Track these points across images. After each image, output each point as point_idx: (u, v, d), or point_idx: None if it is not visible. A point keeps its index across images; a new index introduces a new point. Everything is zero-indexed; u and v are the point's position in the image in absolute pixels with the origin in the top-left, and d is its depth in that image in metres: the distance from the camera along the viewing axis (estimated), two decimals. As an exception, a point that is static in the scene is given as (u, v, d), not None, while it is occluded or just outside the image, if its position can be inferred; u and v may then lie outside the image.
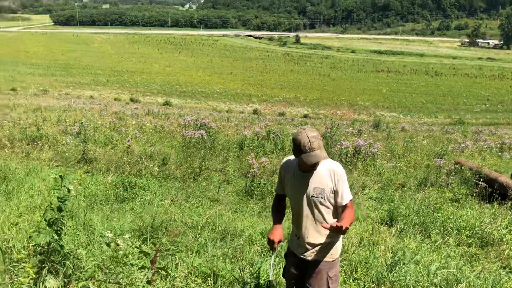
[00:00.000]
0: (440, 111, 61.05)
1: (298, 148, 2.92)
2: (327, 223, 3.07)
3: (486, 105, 66.78)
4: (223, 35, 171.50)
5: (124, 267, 3.08)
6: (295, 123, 25.13)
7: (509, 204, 6.95)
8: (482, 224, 5.46)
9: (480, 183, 8.09)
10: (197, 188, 7.04)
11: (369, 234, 5.19)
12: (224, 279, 3.85)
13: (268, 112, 47.43)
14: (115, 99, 46.52)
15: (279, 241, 3.26)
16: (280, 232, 3.30)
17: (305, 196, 3.10)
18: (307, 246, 3.20)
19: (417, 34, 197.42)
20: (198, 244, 4.53)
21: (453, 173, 8.88)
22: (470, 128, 32.59)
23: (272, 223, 3.29)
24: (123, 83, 69.14)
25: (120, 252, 3.13)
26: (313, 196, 3.08)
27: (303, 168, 3.04)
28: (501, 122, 49.03)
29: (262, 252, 4.67)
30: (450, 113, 58.46)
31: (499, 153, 14.20)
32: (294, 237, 3.33)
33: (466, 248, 5.08)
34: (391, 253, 4.41)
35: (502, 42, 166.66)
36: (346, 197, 3.08)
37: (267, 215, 6.02)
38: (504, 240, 5.10)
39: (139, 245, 3.19)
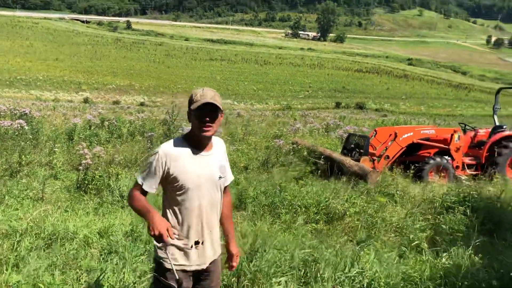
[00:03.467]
0: (270, 97, 64.92)
1: (191, 101, 2.37)
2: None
3: (308, 92, 73.26)
4: (45, 18, 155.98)
5: None
6: (131, 111, 23.85)
7: (344, 179, 7.33)
8: (326, 199, 5.60)
9: (320, 161, 8.46)
10: (16, 186, 5.87)
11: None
12: (53, 296, 3.10)
13: (101, 101, 44.47)
14: None
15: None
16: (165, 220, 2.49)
17: (209, 180, 2.44)
18: (210, 251, 2.53)
19: (246, 25, 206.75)
20: (16, 256, 3.64)
21: (292, 153, 9.19)
22: (298, 112, 35.19)
23: (141, 216, 2.36)
24: None
25: None
26: (220, 178, 2.49)
27: (201, 137, 2.40)
28: (322, 107, 53.89)
29: (101, 255, 3.97)
30: (279, 99, 62.53)
31: (326, 133, 15.41)
32: (184, 248, 2.45)
33: (314, 225, 5.12)
34: (245, 239, 4.12)
35: (319, 35, 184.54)
36: (231, 174, 2.64)
37: (105, 211, 5.28)
38: (347, 213, 5.27)
39: None
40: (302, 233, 4.73)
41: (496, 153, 9.11)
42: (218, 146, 2.57)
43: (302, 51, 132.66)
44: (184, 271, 2.43)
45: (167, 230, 2.20)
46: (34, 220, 4.42)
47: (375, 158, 8.76)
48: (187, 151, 2.41)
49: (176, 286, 2.38)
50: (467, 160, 9.37)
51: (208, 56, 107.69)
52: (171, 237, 2.20)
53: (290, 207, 5.51)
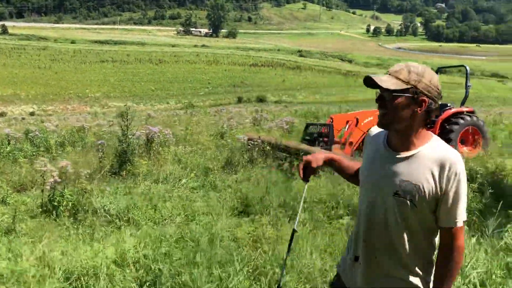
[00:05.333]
0: (169, 97, 63.57)
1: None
2: (410, 251, 1.82)
3: (208, 88, 73.02)
4: None
5: None
6: (30, 121, 21.55)
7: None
8: (342, 191, 5.30)
9: (287, 155, 8.15)
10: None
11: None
12: None
13: (-21, 115, 39.90)
14: None
15: (312, 168, 2.14)
16: (321, 160, 2.17)
17: (382, 191, 1.84)
18: (371, 276, 1.91)
19: (135, 24, 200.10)
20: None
21: (257, 150, 8.77)
22: (207, 109, 34.72)
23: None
24: None
25: None
26: (396, 194, 1.79)
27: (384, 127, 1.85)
28: (224, 102, 53.88)
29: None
30: (179, 98, 61.40)
31: (257, 126, 15.22)
32: (349, 258, 2.03)
33: (341, 220, 4.80)
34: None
35: (211, 31, 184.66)
36: (454, 215, 1.77)
37: (97, 235, 4.44)
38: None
39: None
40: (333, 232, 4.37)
41: (448, 130, 9.52)
42: None
43: (197, 48, 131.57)
44: None
45: None
46: (36, 257, 3.50)
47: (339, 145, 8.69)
48: None
49: None
50: (420, 139, 9.67)
51: (98, 58, 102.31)
52: None
53: (306, 205, 5.12)
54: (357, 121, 8.87)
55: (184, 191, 6.43)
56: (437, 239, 1.87)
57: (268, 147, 8.74)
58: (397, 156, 1.83)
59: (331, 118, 9.47)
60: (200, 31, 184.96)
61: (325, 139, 8.72)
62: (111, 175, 7.26)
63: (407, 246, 1.82)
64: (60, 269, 3.40)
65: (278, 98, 58.25)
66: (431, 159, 1.76)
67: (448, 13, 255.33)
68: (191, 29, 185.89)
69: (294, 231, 2.18)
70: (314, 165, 2.16)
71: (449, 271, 1.79)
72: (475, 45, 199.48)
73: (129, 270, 3.54)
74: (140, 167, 7.44)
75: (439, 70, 11.40)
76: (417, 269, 1.85)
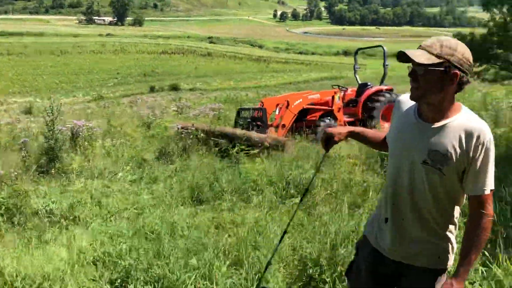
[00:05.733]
0: (76, 89, 60.21)
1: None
2: (443, 217, 1.94)
3: (118, 79, 70.23)
4: None
5: None
6: None
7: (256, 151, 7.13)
8: (289, 172, 5.39)
9: (222, 140, 8.11)
10: None
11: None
12: None
13: None
14: None
15: (335, 138, 2.23)
16: (344, 134, 2.27)
17: (411, 159, 1.91)
18: (398, 239, 2.00)
19: (30, 13, 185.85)
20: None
21: (191, 137, 8.62)
22: (120, 101, 33.49)
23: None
24: None
25: None
26: (424, 162, 1.87)
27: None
28: (136, 92, 52.04)
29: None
30: (86, 90, 58.30)
31: (181, 114, 15.03)
32: (378, 219, 2.12)
33: (296, 199, 4.90)
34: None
35: (116, 19, 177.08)
36: (482, 183, 1.84)
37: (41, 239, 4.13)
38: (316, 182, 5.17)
39: None
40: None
41: (370, 108, 10.05)
42: None
43: (101, 38, 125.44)
44: None
45: None
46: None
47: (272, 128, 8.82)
48: None
49: None
50: (345, 118, 10.11)
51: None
52: None
53: (257, 188, 5.15)
54: (288, 104, 9.05)
55: (123, 185, 6.18)
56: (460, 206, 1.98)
57: (202, 134, 8.65)
58: (428, 126, 1.90)
59: (262, 102, 9.57)
60: (104, 20, 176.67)
61: (259, 123, 8.80)
62: (39, 174, 6.78)
63: (433, 212, 1.92)
64: (17, 276, 3.12)
65: (192, 85, 57.52)
66: (460, 130, 1.82)
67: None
68: (94, 17, 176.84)
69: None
70: (336, 138, 2.24)
71: (478, 238, 1.87)
72: (375, 27, 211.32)
73: (95, 269, 3.35)
74: (71, 164, 7.02)
75: (358, 51, 11.93)
76: (442, 232, 1.95)
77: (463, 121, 1.84)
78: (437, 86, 1.82)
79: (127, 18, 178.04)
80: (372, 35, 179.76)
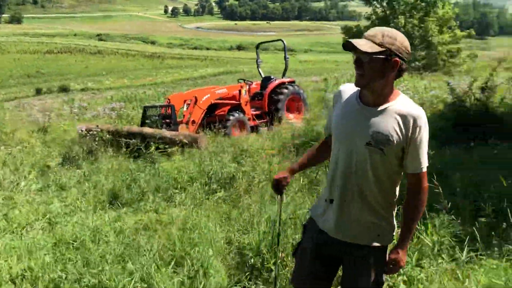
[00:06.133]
0: None
1: None
2: (383, 195, 2.07)
3: (-3, 82, 64.34)
4: None
5: None
6: None
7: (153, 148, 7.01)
8: (210, 166, 5.36)
9: (133, 140, 7.84)
10: None
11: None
12: None
13: None
14: None
15: (283, 183, 2.40)
16: (288, 174, 2.43)
17: (355, 142, 2.03)
18: (349, 221, 2.11)
19: None
20: None
21: (97, 139, 8.17)
22: (3, 105, 30.81)
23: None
24: None
25: None
26: (368, 144, 2.00)
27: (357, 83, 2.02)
28: (21, 96, 48.16)
29: None
30: (-37, 95, 52.76)
31: (78, 116, 14.30)
32: (323, 201, 2.22)
33: (218, 194, 4.90)
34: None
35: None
36: (418, 162, 2.01)
37: None
38: (237, 175, 5.21)
39: None
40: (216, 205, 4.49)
41: (275, 100, 10.34)
42: None
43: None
44: None
45: None
46: None
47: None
48: None
49: None
50: (252, 111, 10.30)
51: None
52: None
53: (178, 186, 5.07)
54: (196, 100, 9.00)
55: (29, 195, 5.73)
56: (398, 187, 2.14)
57: (108, 136, 8.28)
58: (370, 110, 2.02)
59: (169, 99, 9.40)
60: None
61: (168, 120, 8.64)
62: None
63: (375, 192, 2.06)
64: None
65: (83, 85, 54.45)
66: (399, 113, 1.97)
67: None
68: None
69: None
70: (285, 183, 2.43)
71: (417, 209, 2.07)
72: (266, 22, 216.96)
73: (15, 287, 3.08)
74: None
75: (259, 46, 12.19)
76: (383, 212, 2.10)
77: (401, 105, 2.00)
78: (380, 73, 1.95)
79: (3, 15, 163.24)
80: (263, 30, 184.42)
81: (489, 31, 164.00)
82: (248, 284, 2.96)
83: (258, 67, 11.80)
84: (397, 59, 1.95)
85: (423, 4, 23.45)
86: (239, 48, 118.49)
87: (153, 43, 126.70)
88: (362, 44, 1.93)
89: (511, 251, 3.06)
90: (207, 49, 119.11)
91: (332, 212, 2.15)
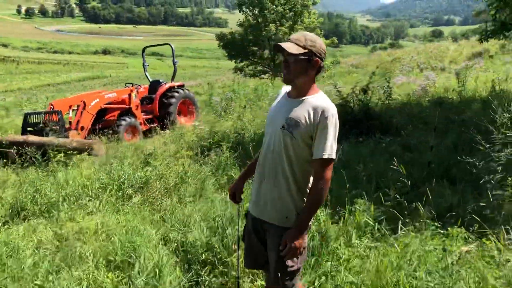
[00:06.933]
0: None
1: None
2: (294, 178, 2.29)
3: None
4: None
5: None
6: None
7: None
8: (122, 173, 5.15)
9: (10, 150, 7.17)
10: None
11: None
12: None
13: None
14: None
15: (238, 191, 2.66)
16: (238, 183, 2.68)
17: (275, 127, 2.33)
18: (263, 199, 2.38)
19: None
20: None
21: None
22: None
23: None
24: None
25: None
26: (282, 127, 2.28)
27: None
28: None
29: None
30: None
31: None
32: (254, 187, 2.50)
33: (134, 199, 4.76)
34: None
35: None
36: (321, 149, 2.20)
37: None
38: (150, 180, 5.11)
39: None
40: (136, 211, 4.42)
41: (166, 104, 10.25)
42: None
43: None
44: None
45: None
46: None
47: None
48: None
49: None
50: (143, 115, 10.08)
51: None
52: None
53: (91, 193, 4.83)
54: (85, 105, 8.55)
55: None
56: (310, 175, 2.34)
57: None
58: (290, 101, 2.34)
59: (52, 105, 8.78)
60: None
61: (55, 127, 8.08)
62: None
63: (286, 173, 2.30)
64: None
65: None
66: (312, 105, 2.25)
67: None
68: None
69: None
70: (239, 192, 2.68)
71: (317, 195, 2.24)
72: (132, 26, 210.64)
73: None
74: None
75: (145, 49, 11.95)
76: (292, 194, 2.32)
77: (316, 99, 2.28)
78: (302, 71, 2.27)
79: None
80: (129, 34, 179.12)
81: (343, 40, 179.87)
82: (207, 277, 3.01)
83: (145, 70, 11.58)
84: (318, 59, 2.28)
85: (291, 13, 25.03)
86: (105, 52, 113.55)
87: (5, 45, 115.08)
88: (289, 47, 2.23)
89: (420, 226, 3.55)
90: (70, 53, 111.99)
91: (254, 192, 2.46)
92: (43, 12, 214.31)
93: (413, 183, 4.37)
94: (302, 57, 2.23)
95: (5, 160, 7.18)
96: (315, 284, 2.87)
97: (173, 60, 11.46)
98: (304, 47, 2.23)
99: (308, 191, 2.32)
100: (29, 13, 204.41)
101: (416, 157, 5.59)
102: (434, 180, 4.26)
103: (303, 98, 2.29)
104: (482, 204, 3.65)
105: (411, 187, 4.04)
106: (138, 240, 3.27)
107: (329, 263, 2.99)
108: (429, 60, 25.20)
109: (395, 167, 3.90)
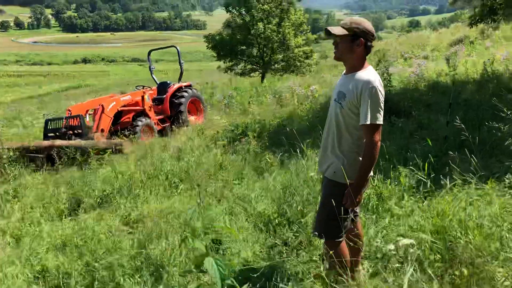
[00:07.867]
0: None
1: None
2: (343, 142, 2.74)
3: None
4: None
5: None
6: None
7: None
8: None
9: (40, 155, 7.52)
10: None
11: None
12: None
13: None
14: None
15: None
16: None
17: (332, 100, 2.84)
18: (322, 157, 2.91)
19: None
20: None
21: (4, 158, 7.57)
22: None
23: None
24: None
25: None
26: (335, 100, 2.78)
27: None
28: None
29: None
30: None
31: None
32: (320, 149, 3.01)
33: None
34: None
35: None
36: (365, 116, 2.56)
37: None
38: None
39: None
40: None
41: (177, 104, 10.64)
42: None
43: None
44: None
45: None
46: None
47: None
48: None
49: None
50: (155, 116, 10.46)
51: None
52: None
53: (140, 184, 5.22)
54: (103, 108, 8.91)
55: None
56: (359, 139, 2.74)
57: (13, 153, 7.80)
58: (344, 77, 2.80)
59: (70, 110, 9.12)
60: None
61: (78, 131, 8.44)
62: None
63: (339, 138, 2.77)
64: None
65: None
66: (358, 78, 2.67)
67: (77, 4, 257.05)
68: None
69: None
70: None
71: (367, 157, 2.62)
72: (110, 33, 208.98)
73: None
74: None
75: (150, 53, 12.31)
76: (339, 154, 2.78)
77: (363, 74, 2.69)
78: (348, 49, 2.69)
79: None
80: (108, 41, 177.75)
81: (321, 36, 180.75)
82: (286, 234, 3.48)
83: (151, 73, 11.93)
84: (362, 39, 2.69)
85: (277, 11, 25.46)
86: (85, 61, 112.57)
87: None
88: (335, 29, 2.69)
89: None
90: (49, 64, 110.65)
91: (320, 152, 2.96)
92: (19, 24, 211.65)
93: (433, 155, 4.86)
94: (346, 37, 2.65)
95: (33, 165, 7.53)
96: (378, 235, 3.32)
97: (179, 62, 11.85)
98: (348, 29, 2.65)
99: (355, 153, 2.72)
100: (4, 26, 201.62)
101: (431, 133, 6.10)
102: (456, 151, 4.75)
103: (352, 73, 2.71)
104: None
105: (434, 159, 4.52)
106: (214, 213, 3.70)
107: (387, 219, 3.45)
108: (412, 49, 25.90)
109: (417, 142, 4.37)
